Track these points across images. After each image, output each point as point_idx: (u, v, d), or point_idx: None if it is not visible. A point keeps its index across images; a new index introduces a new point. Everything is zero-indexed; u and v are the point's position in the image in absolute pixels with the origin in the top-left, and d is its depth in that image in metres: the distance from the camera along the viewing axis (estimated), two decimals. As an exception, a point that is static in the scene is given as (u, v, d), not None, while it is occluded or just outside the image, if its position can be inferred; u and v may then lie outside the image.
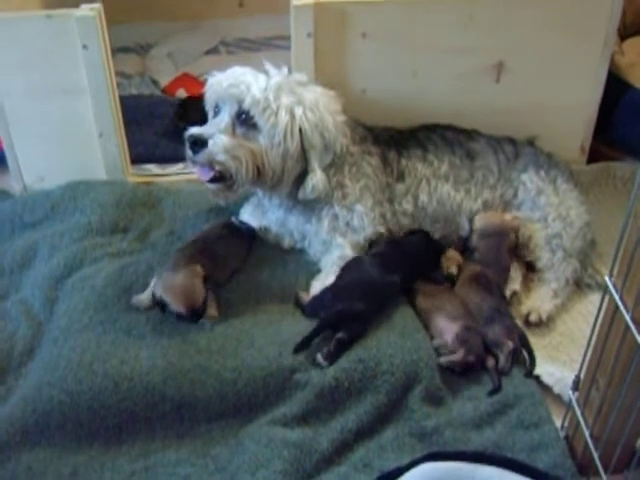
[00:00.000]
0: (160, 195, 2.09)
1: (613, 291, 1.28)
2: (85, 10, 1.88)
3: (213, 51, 2.93)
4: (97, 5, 1.89)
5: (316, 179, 1.77)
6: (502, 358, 1.65)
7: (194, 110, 2.25)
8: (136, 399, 1.55)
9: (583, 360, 1.43)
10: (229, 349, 1.63)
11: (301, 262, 1.88)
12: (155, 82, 2.70)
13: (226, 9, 3.08)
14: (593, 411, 1.40)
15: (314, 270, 1.85)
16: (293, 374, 1.59)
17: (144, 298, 1.71)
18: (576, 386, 1.47)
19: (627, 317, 1.23)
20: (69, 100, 1.99)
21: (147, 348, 1.63)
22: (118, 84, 2.24)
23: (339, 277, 1.75)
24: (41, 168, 2.11)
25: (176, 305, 1.66)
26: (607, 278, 1.30)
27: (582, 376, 1.45)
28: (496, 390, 1.61)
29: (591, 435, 1.41)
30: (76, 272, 1.83)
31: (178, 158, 2.23)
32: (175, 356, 1.60)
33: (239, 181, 1.73)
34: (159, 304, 1.69)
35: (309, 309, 1.70)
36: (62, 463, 1.50)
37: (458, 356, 1.62)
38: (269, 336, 1.66)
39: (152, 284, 1.72)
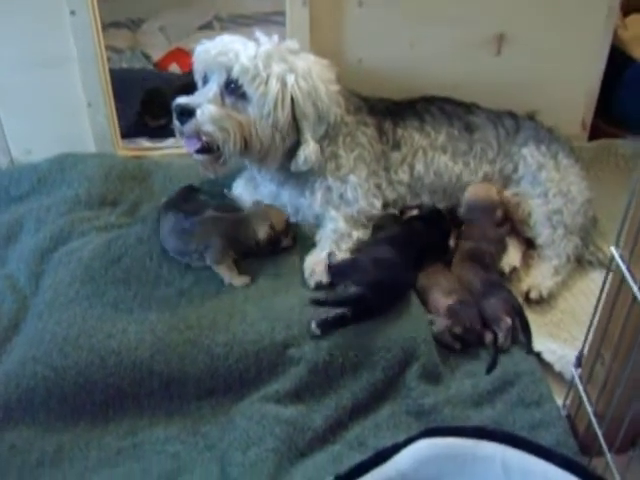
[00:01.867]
0: (150, 168, 2.03)
1: (620, 262, 1.23)
2: (73, -26, 1.81)
3: (207, 26, 2.86)
4: (86, -31, 1.83)
5: (309, 150, 1.71)
6: (501, 335, 1.61)
7: (159, 102, 2.23)
8: (123, 374, 1.49)
9: (587, 335, 1.38)
10: (220, 324, 1.57)
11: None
12: (147, 56, 2.64)
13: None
14: (597, 387, 1.36)
15: (308, 245, 1.79)
16: (286, 349, 1.53)
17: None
18: (579, 362, 1.42)
19: (635, 288, 1.18)
20: (56, 69, 1.93)
21: (135, 323, 1.57)
22: (108, 58, 2.18)
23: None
24: (28, 141, 2.04)
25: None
26: (613, 249, 1.25)
27: (586, 352, 1.40)
28: (492, 367, 1.56)
29: (595, 412, 1.36)
30: (63, 246, 1.77)
31: (169, 133, 2.19)
32: (164, 331, 1.55)
33: (226, 153, 1.66)
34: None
35: (336, 271, 1.64)
36: (46, 441, 1.45)
37: (442, 324, 1.58)
38: (262, 311, 1.60)
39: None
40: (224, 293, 1.66)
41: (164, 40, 2.73)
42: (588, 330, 1.38)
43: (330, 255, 1.69)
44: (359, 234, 1.78)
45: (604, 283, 1.30)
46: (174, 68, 2.57)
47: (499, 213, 1.83)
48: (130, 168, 2.00)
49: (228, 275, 1.66)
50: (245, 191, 1.91)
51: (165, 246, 1.71)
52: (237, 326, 1.57)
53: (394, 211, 1.84)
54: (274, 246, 1.72)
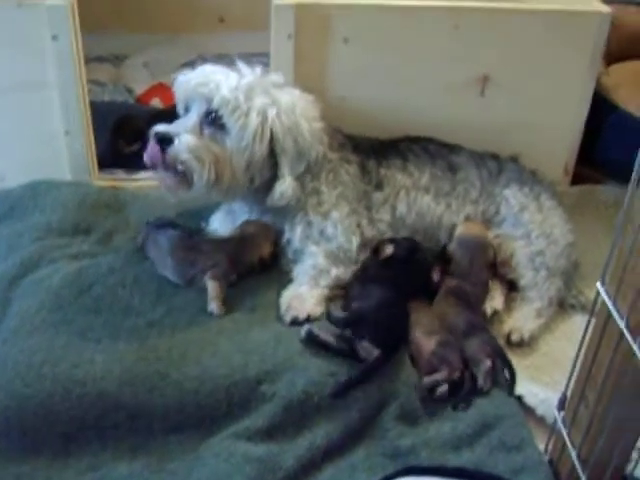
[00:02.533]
0: (126, 199, 1.98)
1: (606, 297, 1.20)
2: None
3: (191, 64, 2.83)
4: (70, -4, 1.81)
5: (285, 185, 1.68)
6: (480, 377, 1.56)
7: (131, 127, 2.21)
8: (87, 406, 1.42)
9: (570, 376, 1.34)
10: (191, 356, 1.51)
11: (272, 272, 1.77)
12: (130, 90, 2.62)
13: (206, 24, 3.02)
14: (581, 431, 1.30)
15: (285, 281, 1.74)
16: (259, 385, 1.47)
17: None
18: (562, 405, 1.37)
19: (621, 324, 1.15)
20: (34, 95, 1.88)
21: (103, 352, 1.50)
22: (90, 91, 2.15)
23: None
24: (2, 166, 1.98)
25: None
26: (599, 285, 1.22)
27: (569, 393, 1.36)
28: (458, 404, 1.52)
29: (578, 456, 1.31)
30: (32, 273, 1.70)
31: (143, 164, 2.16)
32: (132, 361, 1.48)
33: (196, 183, 1.63)
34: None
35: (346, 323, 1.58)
36: (3, 473, 1.37)
37: (443, 374, 1.51)
38: (235, 344, 1.54)
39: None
40: (197, 325, 1.60)
41: (147, 75, 2.71)
42: (572, 371, 1.34)
43: (331, 309, 1.64)
44: (338, 271, 1.74)
45: (589, 320, 1.26)
46: (156, 102, 2.55)
47: (491, 252, 1.81)
48: (105, 197, 1.95)
49: (216, 298, 1.62)
50: (223, 224, 1.86)
51: (160, 268, 1.68)
52: (209, 359, 1.50)
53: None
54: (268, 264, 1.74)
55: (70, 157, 1.98)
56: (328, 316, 1.61)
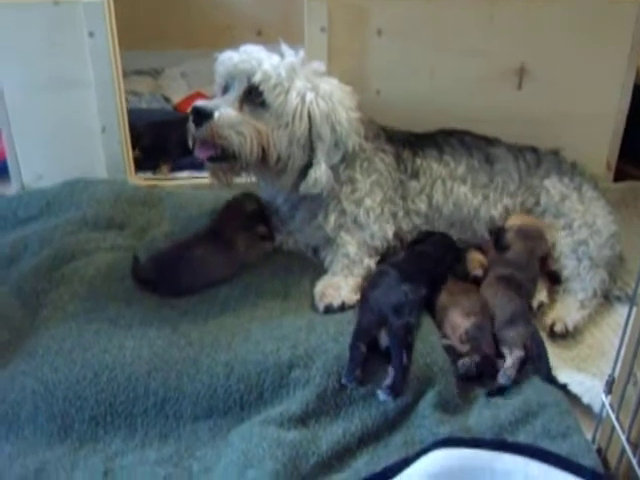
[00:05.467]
0: (162, 195, 1.98)
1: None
2: (93, -3, 1.82)
3: (228, 75, 2.88)
4: (105, -7, 1.84)
5: (320, 172, 1.65)
6: (509, 361, 1.49)
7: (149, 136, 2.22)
8: (116, 391, 1.40)
9: (617, 356, 1.27)
10: (222, 342, 1.48)
11: (306, 262, 1.76)
12: (167, 99, 2.65)
13: (244, 37, 3.03)
14: (630, 412, 1.23)
15: (319, 271, 1.72)
16: (291, 370, 1.43)
17: None
18: (610, 388, 1.30)
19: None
20: (71, 92, 1.92)
21: (133, 338, 1.49)
22: (127, 101, 2.18)
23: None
24: (40, 165, 2.01)
25: None
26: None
27: (616, 375, 1.28)
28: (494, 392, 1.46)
29: (628, 440, 1.23)
30: (66, 265, 1.71)
31: (183, 167, 2.17)
32: (163, 347, 1.47)
33: (242, 160, 1.60)
34: None
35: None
36: (29, 459, 1.34)
37: (462, 349, 1.47)
38: (267, 331, 1.51)
39: None
40: (229, 313, 1.58)
41: (185, 85, 2.74)
42: (618, 352, 1.27)
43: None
44: (370, 261, 1.71)
45: (632, 302, 1.20)
46: (194, 111, 2.57)
47: (547, 243, 1.76)
48: (141, 194, 1.96)
49: None
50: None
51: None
52: (240, 345, 1.48)
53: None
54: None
55: (106, 155, 2.00)
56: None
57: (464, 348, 1.50)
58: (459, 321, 1.52)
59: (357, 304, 1.60)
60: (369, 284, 1.64)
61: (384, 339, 1.46)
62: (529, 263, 1.71)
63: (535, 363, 1.52)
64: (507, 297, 1.60)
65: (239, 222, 1.74)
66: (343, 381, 1.41)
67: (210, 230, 1.74)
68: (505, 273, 1.67)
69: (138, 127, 2.18)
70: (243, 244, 1.72)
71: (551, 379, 1.49)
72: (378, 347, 1.47)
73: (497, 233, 1.78)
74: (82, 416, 1.39)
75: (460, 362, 1.48)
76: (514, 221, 1.78)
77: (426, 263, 1.66)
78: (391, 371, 1.42)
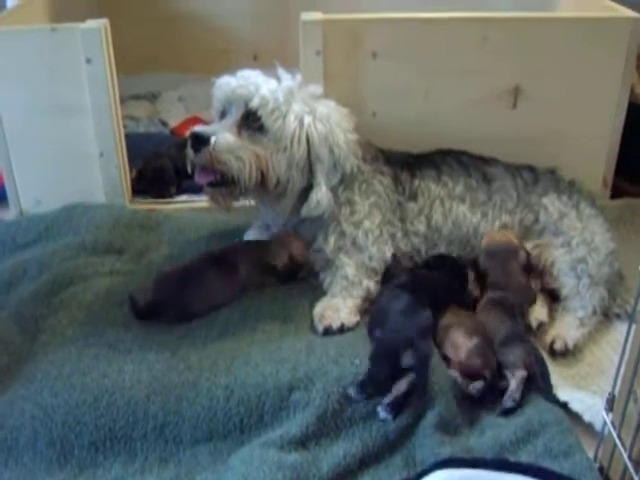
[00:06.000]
0: (160, 219, 1.99)
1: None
2: (91, 23, 1.84)
3: (225, 99, 2.89)
4: (103, 20, 1.85)
5: (321, 194, 1.66)
6: (513, 384, 1.49)
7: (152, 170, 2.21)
8: (116, 416, 1.39)
9: (617, 374, 1.27)
10: (222, 366, 1.48)
11: (305, 284, 1.75)
12: (164, 123, 2.66)
13: (240, 62, 3.05)
14: (631, 430, 1.23)
15: (318, 293, 1.72)
16: (291, 393, 1.43)
17: None
18: (611, 405, 1.29)
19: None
20: (70, 118, 1.93)
21: (132, 362, 1.48)
22: (125, 125, 2.19)
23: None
24: (38, 190, 2.02)
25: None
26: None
27: (617, 392, 1.28)
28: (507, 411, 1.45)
29: (629, 457, 1.22)
30: (65, 290, 1.71)
31: (181, 192, 2.18)
32: (162, 371, 1.46)
33: (241, 185, 1.61)
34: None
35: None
36: (28, 485, 1.33)
37: (476, 363, 1.46)
38: (267, 354, 1.51)
39: None
40: (228, 336, 1.58)
41: (182, 109, 2.76)
42: (618, 369, 1.27)
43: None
44: (369, 283, 1.71)
45: (632, 319, 1.20)
46: (191, 135, 2.58)
47: (522, 254, 1.74)
48: (139, 218, 1.97)
49: None
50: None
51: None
52: (240, 368, 1.47)
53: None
54: (292, 275, 1.73)
55: (104, 180, 2.01)
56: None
57: (469, 364, 1.49)
58: (462, 340, 1.52)
59: (356, 327, 1.61)
60: (381, 306, 1.62)
61: (407, 360, 1.44)
62: (510, 281, 1.70)
63: (537, 382, 1.51)
64: (498, 320, 1.60)
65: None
66: (352, 394, 1.41)
67: (219, 254, 1.73)
68: (494, 297, 1.67)
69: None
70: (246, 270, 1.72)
71: (554, 398, 1.48)
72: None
73: (474, 261, 1.78)
74: (82, 441, 1.38)
75: (471, 386, 1.47)
76: (482, 242, 1.79)
77: (434, 289, 1.65)
78: (395, 390, 1.41)
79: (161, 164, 2.19)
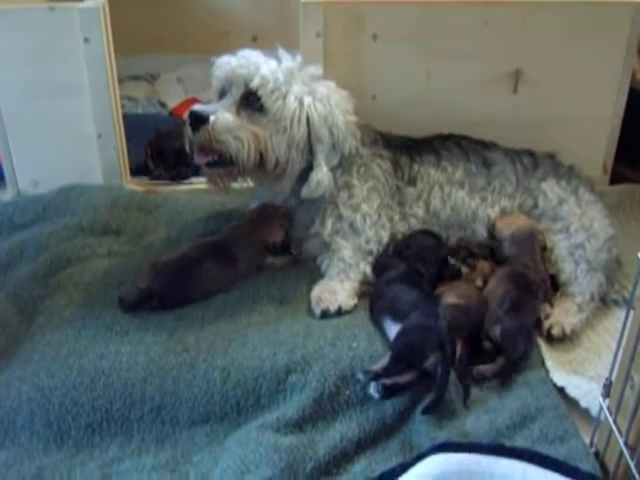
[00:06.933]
0: (158, 201, 1.98)
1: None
2: (89, 3, 1.82)
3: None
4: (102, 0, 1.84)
5: (321, 174, 1.65)
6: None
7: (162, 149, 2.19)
8: (113, 397, 1.40)
9: (614, 360, 1.27)
10: (219, 348, 1.48)
11: (303, 267, 1.75)
12: (163, 104, 2.65)
13: (240, 43, 3.03)
14: (628, 415, 1.23)
15: (315, 276, 1.72)
16: (288, 376, 1.43)
17: None
18: (607, 391, 1.30)
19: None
20: (67, 98, 1.91)
21: (129, 344, 1.48)
22: (123, 106, 2.17)
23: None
24: (35, 171, 2.01)
25: None
26: (640, 255, 1.16)
27: (614, 378, 1.28)
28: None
29: (625, 443, 1.23)
30: (62, 270, 1.71)
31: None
32: (159, 353, 1.46)
33: (240, 165, 1.60)
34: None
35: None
36: (25, 465, 1.34)
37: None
38: (264, 336, 1.51)
39: None
40: (225, 318, 1.58)
41: (181, 90, 2.75)
42: (615, 355, 1.27)
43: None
44: (367, 267, 1.71)
45: (630, 305, 1.20)
46: (189, 116, 2.56)
47: (542, 237, 1.76)
48: (137, 199, 1.96)
49: None
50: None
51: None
52: (237, 350, 1.47)
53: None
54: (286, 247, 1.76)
55: (102, 161, 2.00)
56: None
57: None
58: (449, 299, 1.53)
59: (354, 309, 1.61)
60: (386, 291, 1.60)
61: (431, 361, 1.42)
62: (534, 261, 1.71)
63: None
64: (504, 289, 1.61)
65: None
66: (359, 376, 1.40)
67: (218, 243, 1.72)
68: (514, 271, 1.67)
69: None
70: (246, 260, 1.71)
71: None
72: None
73: (492, 248, 1.77)
74: (78, 422, 1.38)
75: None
76: (504, 230, 1.78)
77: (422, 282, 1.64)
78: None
79: (180, 145, 2.17)
